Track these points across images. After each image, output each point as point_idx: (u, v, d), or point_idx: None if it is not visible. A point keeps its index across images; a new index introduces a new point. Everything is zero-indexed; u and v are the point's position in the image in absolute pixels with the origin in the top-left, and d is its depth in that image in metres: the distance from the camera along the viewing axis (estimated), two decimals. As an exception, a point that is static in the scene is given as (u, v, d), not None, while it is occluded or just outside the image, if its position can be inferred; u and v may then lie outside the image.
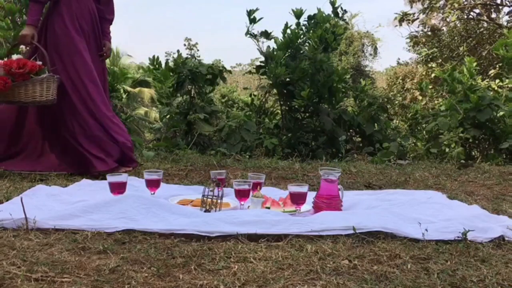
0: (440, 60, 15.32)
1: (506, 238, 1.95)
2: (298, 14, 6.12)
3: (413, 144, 6.58)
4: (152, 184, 2.60)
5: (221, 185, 2.39)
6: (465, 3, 15.12)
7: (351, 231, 1.94)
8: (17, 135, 3.38)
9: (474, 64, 6.25)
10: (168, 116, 6.03)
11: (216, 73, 6.08)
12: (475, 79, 6.38)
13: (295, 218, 2.13)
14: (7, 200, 2.36)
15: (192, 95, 6.06)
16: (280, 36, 6.02)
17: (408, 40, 16.79)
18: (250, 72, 6.80)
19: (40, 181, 2.96)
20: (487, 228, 2.00)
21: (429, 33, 16.22)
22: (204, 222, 2.01)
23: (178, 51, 6.29)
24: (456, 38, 15.79)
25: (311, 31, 6.00)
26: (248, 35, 6.06)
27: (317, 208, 2.39)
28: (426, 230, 1.91)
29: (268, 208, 2.40)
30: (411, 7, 15.65)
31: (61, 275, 1.47)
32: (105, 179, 2.56)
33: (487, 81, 7.95)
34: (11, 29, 4.66)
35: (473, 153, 5.97)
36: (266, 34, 6.06)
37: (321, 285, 1.45)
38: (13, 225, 1.93)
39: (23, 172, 3.18)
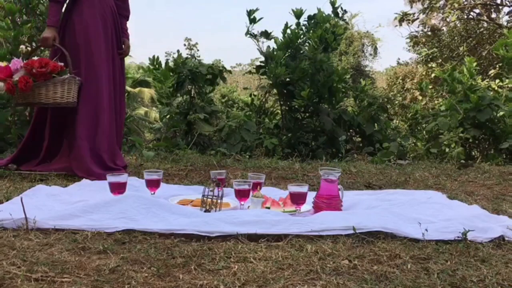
0: (440, 60, 15.33)
1: (506, 238, 1.95)
2: (298, 14, 6.13)
3: (413, 144, 6.58)
4: (152, 184, 2.60)
5: (221, 185, 2.39)
6: (465, 3, 15.12)
7: (351, 231, 1.93)
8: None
9: (474, 64, 6.25)
10: (168, 116, 6.02)
11: (216, 73, 6.08)
12: (475, 79, 6.38)
13: (295, 218, 2.12)
14: (7, 200, 2.36)
15: (192, 95, 6.06)
16: (280, 36, 6.04)
17: (408, 40, 16.81)
18: (250, 72, 6.80)
19: (40, 181, 2.95)
20: (487, 228, 2.00)
21: (429, 33, 16.23)
22: (204, 222, 2.01)
23: (178, 51, 6.31)
24: (456, 38, 15.80)
25: (311, 31, 6.00)
26: (248, 35, 6.07)
27: (317, 208, 2.39)
28: (426, 230, 1.91)
29: (268, 208, 2.40)
30: (411, 7, 15.68)
31: (61, 275, 1.47)
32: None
33: (487, 81, 7.95)
34: (11, 29, 4.65)
35: (473, 153, 5.98)
36: (266, 34, 6.07)
37: (321, 285, 1.45)
38: (13, 225, 1.93)
39: (23, 172, 3.18)
